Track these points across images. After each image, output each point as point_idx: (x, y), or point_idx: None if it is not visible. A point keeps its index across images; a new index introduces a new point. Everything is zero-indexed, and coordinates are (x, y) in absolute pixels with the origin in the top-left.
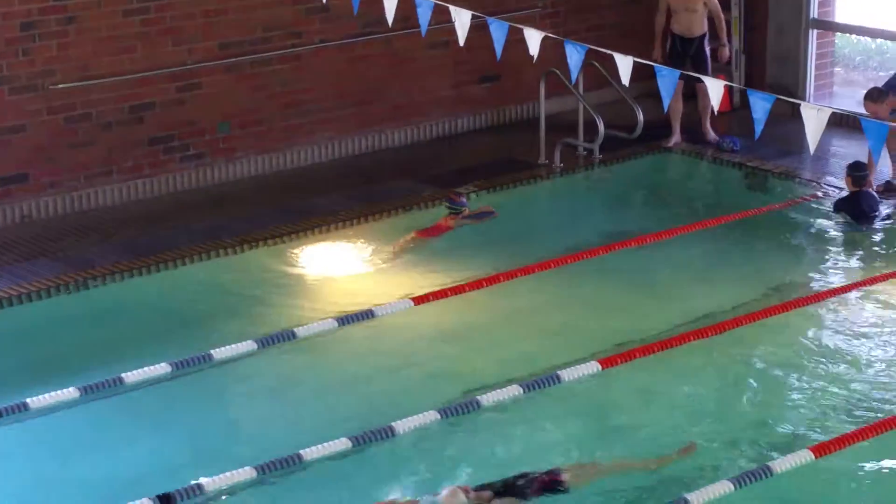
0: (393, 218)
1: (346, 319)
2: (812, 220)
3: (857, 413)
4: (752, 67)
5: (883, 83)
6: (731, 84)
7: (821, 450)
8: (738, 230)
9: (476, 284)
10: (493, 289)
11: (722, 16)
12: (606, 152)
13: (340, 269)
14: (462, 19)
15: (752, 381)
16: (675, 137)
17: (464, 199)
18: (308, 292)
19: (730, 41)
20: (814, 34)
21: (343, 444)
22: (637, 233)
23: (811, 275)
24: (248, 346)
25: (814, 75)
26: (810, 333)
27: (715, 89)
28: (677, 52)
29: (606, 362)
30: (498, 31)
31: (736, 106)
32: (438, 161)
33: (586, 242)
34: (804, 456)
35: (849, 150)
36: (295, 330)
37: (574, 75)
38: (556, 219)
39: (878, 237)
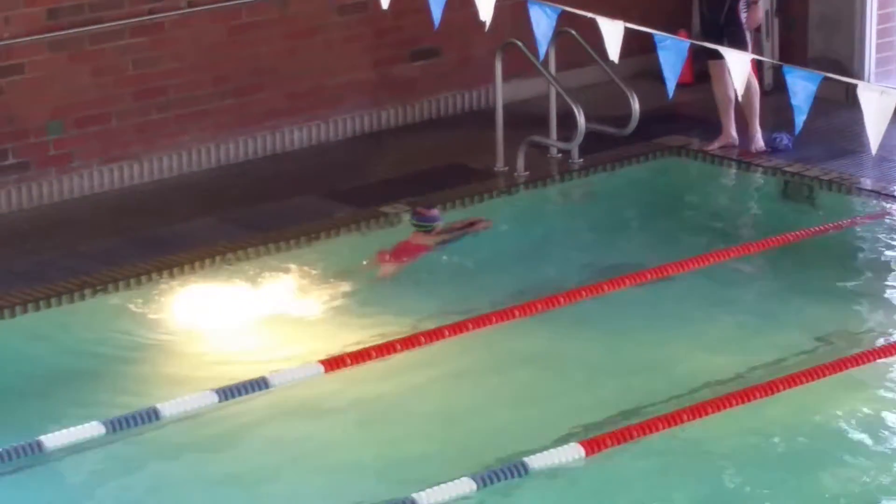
0: (294, 250)
1: (228, 392)
2: (876, 247)
3: None
4: (790, 35)
5: None
6: (760, 58)
7: None
8: (773, 263)
9: (410, 342)
10: (434, 347)
11: None
12: (589, 155)
13: (220, 321)
14: None
15: (789, 461)
16: (725, 138)
17: (435, 213)
18: (176, 354)
19: None
20: None
21: None
22: (633, 267)
23: (871, 327)
24: (93, 429)
25: (874, 45)
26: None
27: (738, 66)
28: (707, 21)
29: (591, 445)
30: None
31: (768, 88)
32: (355, 170)
33: (562, 281)
34: None
35: None
36: (158, 407)
37: (542, 49)
38: (520, 248)
39: None
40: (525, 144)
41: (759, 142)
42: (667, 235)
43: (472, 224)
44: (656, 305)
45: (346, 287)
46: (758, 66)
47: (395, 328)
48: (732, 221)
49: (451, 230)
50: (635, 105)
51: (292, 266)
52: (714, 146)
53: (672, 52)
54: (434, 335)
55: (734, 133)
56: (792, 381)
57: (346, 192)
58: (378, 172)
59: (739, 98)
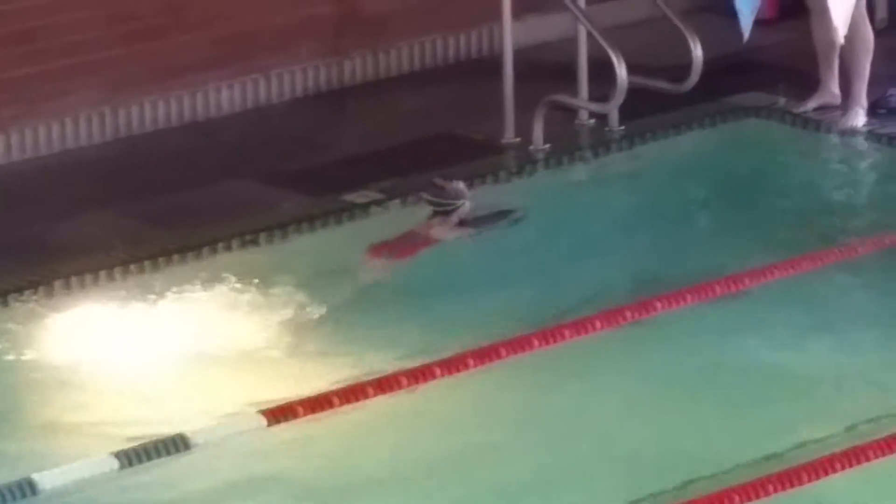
0: (223, 256)
1: (132, 456)
2: None
3: None
4: None
5: None
6: None
7: None
8: (891, 269)
9: (386, 384)
10: (420, 391)
11: None
12: (633, 120)
13: (120, 356)
14: None
15: None
16: (824, 95)
17: (460, 186)
18: (58, 404)
19: None
20: None
21: None
22: (696, 277)
23: None
24: None
25: None
26: None
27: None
28: None
29: None
30: None
31: (881, 25)
32: (308, 143)
33: (599, 296)
34: None
35: None
36: (34, 479)
37: None
38: (538, 252)
39: None
40: (544, 106)
41: (858, 117)
42: (743, 232)
43: (499, 215)
44: (729, 330)
45: (297, 307)
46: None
47: (366, 365)
48: (834, 211)
49: (477, 219)
50: (697, 51)
51: (221, 279)
52: (809, 106)
53: None
54: (418, 375)
55: (836, 89)
56: None
57: (296, 175)
58: (340, 147)
59: (840, 40)
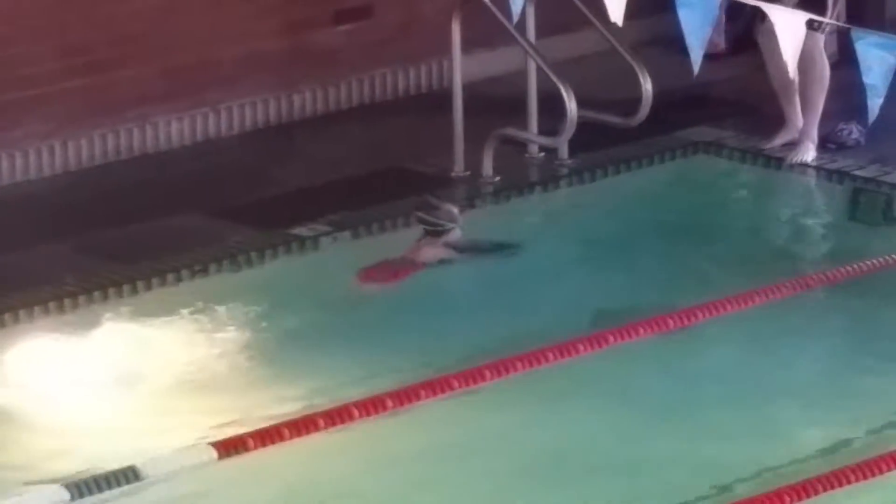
0: (171, 289)
1: (83, 487)
2: None
3: None
4: None
5: None
6: (820, 19)
7: None
8: (839, 304)
9: (336, 416)
10: (370, 423)
11: None
12: (583, 154)
13: (69, 387)
14: None
15: None
16: (790, 131)
17: (454, 210)
18: (7, 435)
19: None
20: None
21: None
22: (647, 311)
23: None
24: None
25: None
26: None
27: (787, 30)
28: None
29: None
30: None
31: (832, 59)
32: (256, 177)
33: (550, 330)
34: None
35: None
36: None
37: (517, 7)
38: (486, 285)
39: None
40: (494, 140)
41: (808, 151)
42: (693, 267)
43: (499, 247)
44: (679, 364)
45: (248, 338)
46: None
47: (317, 397)
48: (783, 246)
49: (468, 245)
50: (647, 85)
51: (171, 310)
52: (776, 143)
53: (697, 11)
54: (369, 406)
55: (800, 124)
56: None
57: (245, 209)
58: (289, 180)
59: (791, 74)
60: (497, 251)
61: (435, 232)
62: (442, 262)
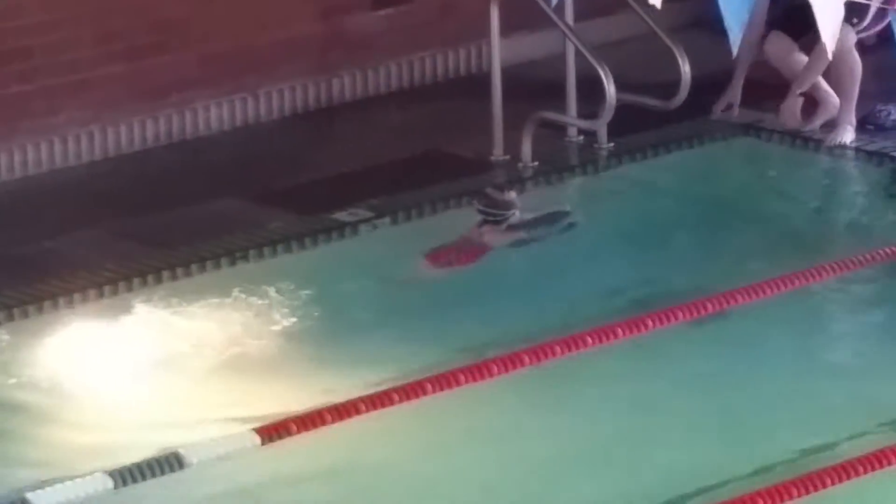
0: (212, 274)
1: (127, 474)
2: None
3: None
4: None
5: None
6: None
7: None
8: (884, 287)
9: (378, 400)
10: (414, 406)
11: None
12: (622, 137)
13: (112, 374)
14: None
15: None
16: (827, 109)
17: (512, 196)
18: (51, 422)
19: None
20: None
21: None
22: (686, 295)
23: None
24: None
25: None
26: None
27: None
28: None
29: None
30: None
31: (869, 41)
32: (296, 162)
33: (586, 315)
34: None
35: None
36: (28, 498)
37: None
38: (525, 270)
39: None
40: (533, 123)
41: (847, 133)
42: (733, 250)
43: (550, 216)
44: (720, 349)
45: (287, 324)
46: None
47: (359, 381)
48: (825, 227)
49: (528, 223)
50: (685, 68)
51: (210, 297)
52: (816, 123)
53: None
54: (410, 391)
55: (836, 100)
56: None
57: (285, 194)
58: (328, 165)
59: (829, 56)
60: (556, 221)
61: (496, 222)
62: (511, 244)
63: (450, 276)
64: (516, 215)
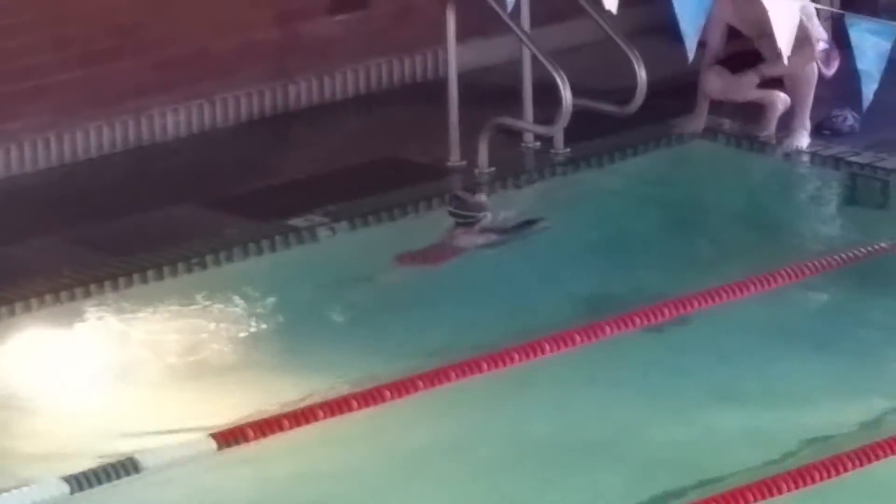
0: (168, 281)
1: (82, 479)
2: None
3: None
4: None
5: None
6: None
7: None
8: (835, 293)
9: (335, 406)
10: (372, 412)
11: None
12: (579, 143)
13: (66, 380)
14: None
15: None
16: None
17: (482, 198)
18: (7, 424)
19: None
20: None
21: None
22: (643, 300)
23: None
24: None
25: None
26: None
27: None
28: None
29: None
30: None
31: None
32: (252, 168)
33: (545, 321)
34: None
35: None
36: None
37: None
38: (483, 275)
39: None
40: (489, 129)
41: (802, 138)
42: (690, 255)
43: (529, 223)
44: (676, 354)
45: (245, 329)
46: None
47: (317, 387)
48: (780, 234)
49: (500, 228)
50: (642, 73)
51: (167, 301)
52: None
53: None
54: (368, 398)
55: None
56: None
57: (241, 200)
58: (285, 171)
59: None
60: (530, 227)
61: (467, 223)
62: (483, 246)
63: (413, 280)
64: (488, 217)
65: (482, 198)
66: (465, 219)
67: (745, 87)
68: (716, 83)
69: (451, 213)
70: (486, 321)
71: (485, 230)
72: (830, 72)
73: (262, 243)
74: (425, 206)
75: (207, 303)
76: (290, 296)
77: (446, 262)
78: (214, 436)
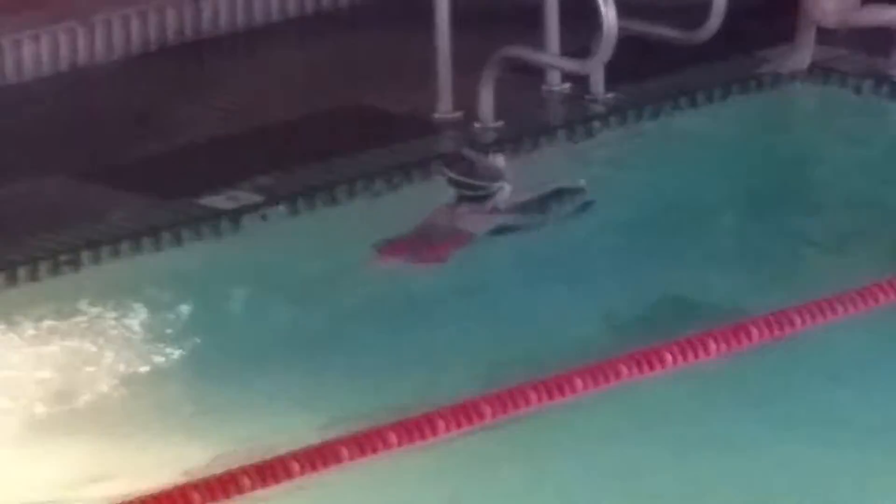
0: (23, 286)
1: None
2: None
3: None
4: None
5: None
6: None
7: None
8: None
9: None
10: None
11: None
12: (628, 84)
13: None
14: None
15: None
16: None
17: (499, 161)
18: None
19: None
20: None
21: None
22: (717, 316)
23: None
24: None
25: None
26: None
27: None
28: None
29: None
30: None
31: None
32: (147, 122)
33: (575, 346)
34: None
35: None
36: None
37: None
38: (495, 279)
39: None
40: (496, 65)
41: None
42: (789, 251)
43: (561, 195)
44: (762, 394)
45: (142, 355)
46: None
47: (242, 442)
48: None
49: (523, 205)
50: None
51: (24, 320)
52: None
53: None
54: (318, 457)
55: None
56: None
57: (132, 169)
58: (196, 127)
59: None
60: (566, 201)
61: (476, 197)
62: (499, 230)
63: (388, 286)
64: (505, 190)
65: (498, 160)
66: (474, 191)
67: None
68: (827, 1)
69: (453, 183)
70: (502, 345)
71: (501, 208)
72: None
73: (161, 233)
74: (404, 179)
75: (83, 319)
76: (203, 309)
77: (445, 256)
78: None
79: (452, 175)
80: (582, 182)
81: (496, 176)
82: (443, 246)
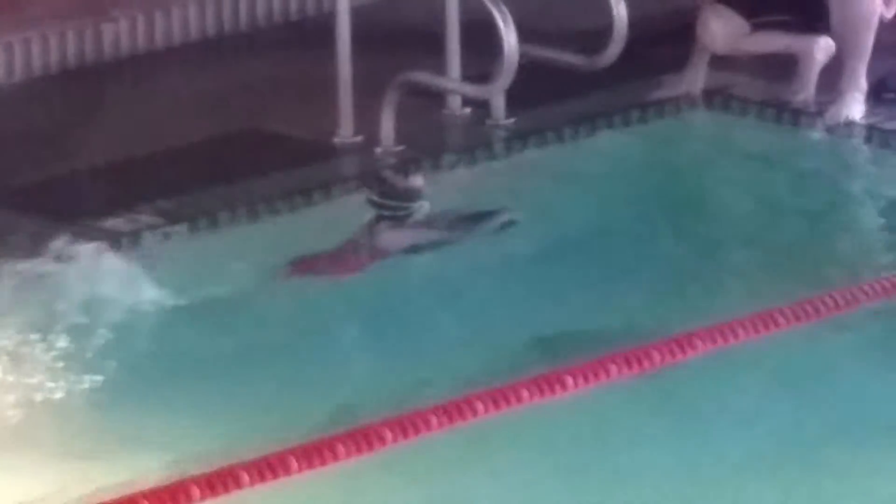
0: None
1: None
2: None
3: None
4: None
5: None
6: None
7: None
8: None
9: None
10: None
11: None
12: (528, 110)
13: None
14: None
15: None
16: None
17: (417, 181)
18: None
19: None
20: None
21: None
22: (622, 339)
23: None
24: None
25: None
26: None
27: None
28: None
29: None
30: None
31: None
32: (44, 144)
33: (488, 366)
34: None
35: None
36: None
37: None
38: (389, 304)
39: None
40: (398, 89)
41: (854, 105)
42: (687, 276)
43: (485, 217)
44: (665, 412)
45: (39, 385)
46: None
47: (143, 473)
48: (820, 244)
49: (445, 222)
50: (620, 9)
51: None
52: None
53: None
54: (217, 481)
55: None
56: None
57: (30, 191)
58: (95, 149)
59: None
60: (488, 221)
61: (396, 217)
62: (414, 248)
63: (300, 303)
64: (424, 208)
65: (417, 180)
66: (393, 211)
67: (764, 35)
68: (715, 28)
69: (374, 203)
70: (418, 362)
71: (420, 225)
72: (891, 12)
73: (62, 255)
74: (303, 203)
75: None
76: (105, 333)
77: (359, 271)
78: None
79: (373, 197)
80: (503, 207)
81: (414, 196)
82: (357, 260)
